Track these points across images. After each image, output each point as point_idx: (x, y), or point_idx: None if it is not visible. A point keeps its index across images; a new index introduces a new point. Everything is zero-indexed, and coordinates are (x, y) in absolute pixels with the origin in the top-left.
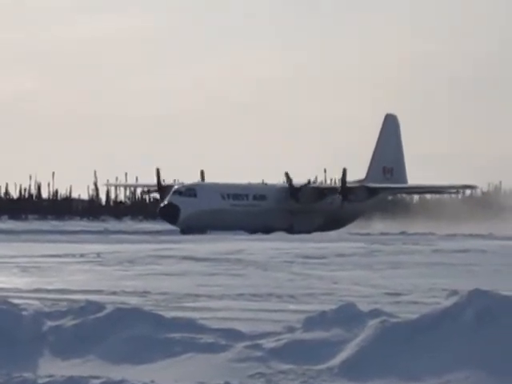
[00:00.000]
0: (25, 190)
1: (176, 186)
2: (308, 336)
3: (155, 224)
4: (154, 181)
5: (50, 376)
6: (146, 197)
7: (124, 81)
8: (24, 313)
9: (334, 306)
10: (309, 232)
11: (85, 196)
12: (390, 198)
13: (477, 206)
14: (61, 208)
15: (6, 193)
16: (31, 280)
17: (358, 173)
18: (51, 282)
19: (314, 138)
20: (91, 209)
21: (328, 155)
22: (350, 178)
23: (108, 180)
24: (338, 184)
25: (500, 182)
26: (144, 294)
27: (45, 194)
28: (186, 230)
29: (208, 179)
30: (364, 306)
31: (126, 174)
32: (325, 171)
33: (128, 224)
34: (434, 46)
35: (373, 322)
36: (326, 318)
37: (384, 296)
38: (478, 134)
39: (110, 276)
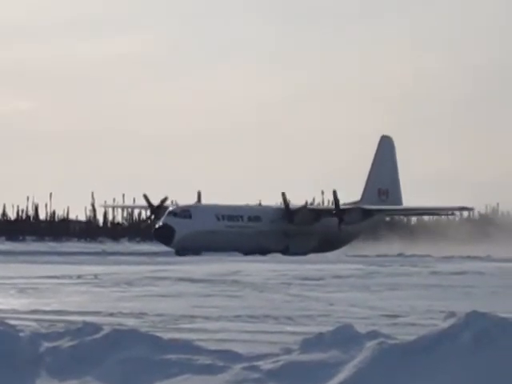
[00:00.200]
0: (22, 211)
1: (171, 208)
2: (305, 358)
3: (152, 245)
4: (153, 202)
5: None
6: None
7: (123, 100)
8: (21, 334)
9: (331, 328)
10: (304, 254)
11: (82, 217)
12: (387, 219)
13: (474, 228)
14: (58, 229)
15: (4, 214)
16: (28, 301)
17: (354, 194)
18: (48, 304)
19: (312, 158)
20: (88, 230)
21: (326, 176)
22: (346, 200)
23: (105, 201)
24: (333, 205)
25: (497, 204)
26: (141, 315)
27: (42, 215)
28: (181, 251)
29: (205, 200)
30: (361, 328)
31: (123, 196)
32: (322, 193)
33: (125, 245)
34: (433, 64)
35: (370, 344)
36: (324, 339)
37: (381, 318)
38: (475, 156)
39: (107, 297)
